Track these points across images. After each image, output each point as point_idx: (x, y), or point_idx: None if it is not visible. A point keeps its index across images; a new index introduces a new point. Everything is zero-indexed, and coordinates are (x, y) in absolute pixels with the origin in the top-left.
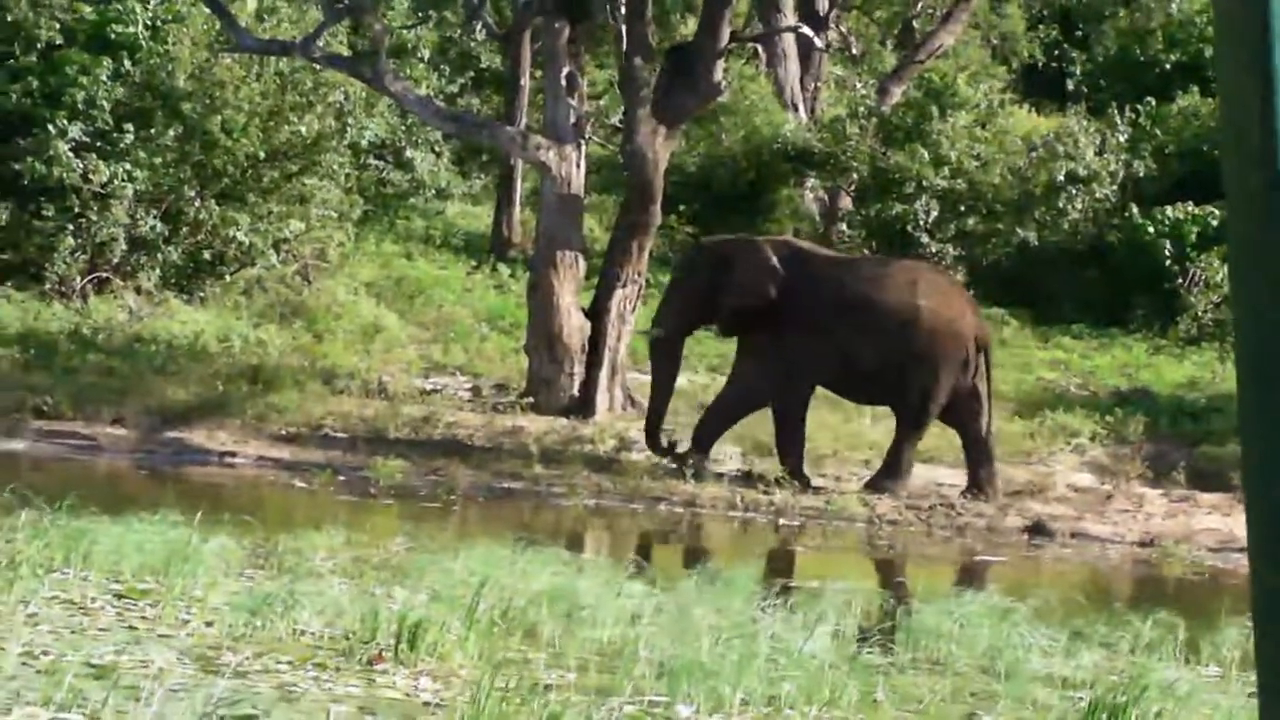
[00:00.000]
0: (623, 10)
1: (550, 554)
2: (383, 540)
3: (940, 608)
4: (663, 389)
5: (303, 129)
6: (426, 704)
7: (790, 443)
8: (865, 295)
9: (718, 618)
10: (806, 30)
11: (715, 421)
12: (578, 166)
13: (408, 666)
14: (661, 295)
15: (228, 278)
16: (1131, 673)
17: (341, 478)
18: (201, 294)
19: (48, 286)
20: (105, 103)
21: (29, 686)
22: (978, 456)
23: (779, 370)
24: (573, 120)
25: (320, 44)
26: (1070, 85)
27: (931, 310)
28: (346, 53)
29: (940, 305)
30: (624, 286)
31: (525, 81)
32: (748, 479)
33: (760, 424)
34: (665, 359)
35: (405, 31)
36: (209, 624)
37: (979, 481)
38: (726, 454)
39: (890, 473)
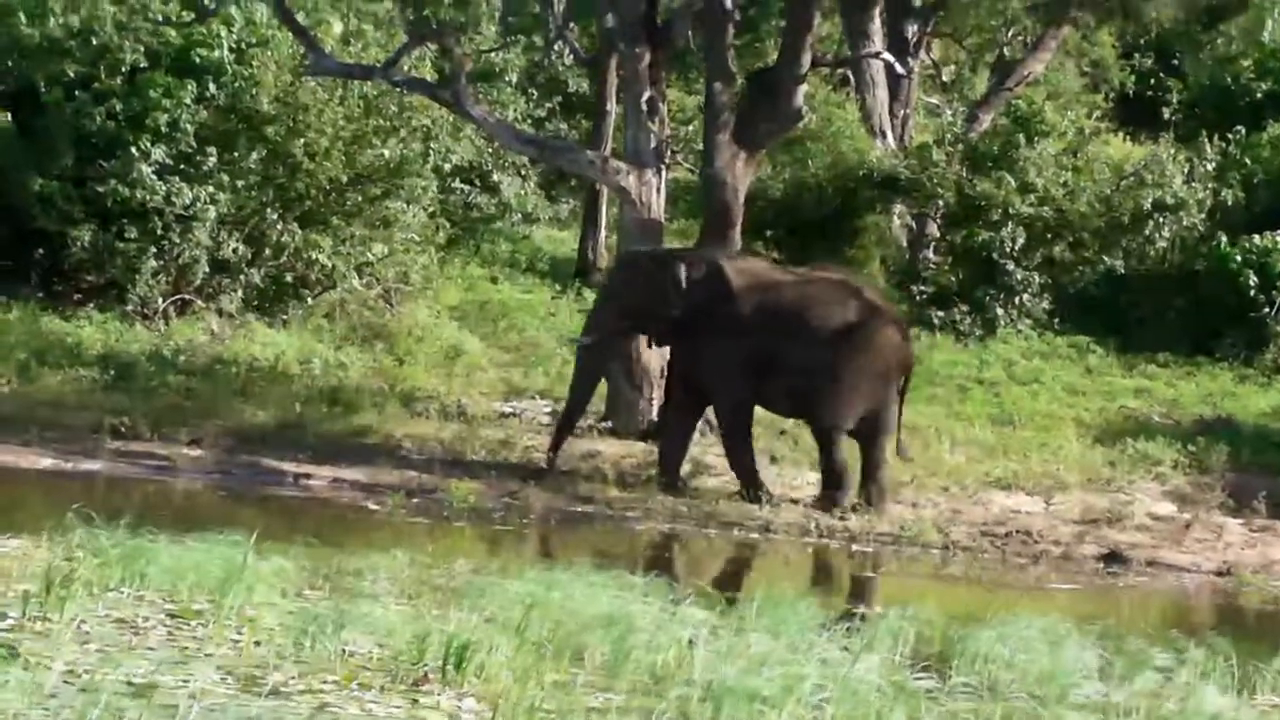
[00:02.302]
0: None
1: (614, 578)
2: (447, 563)
3: (998, 633)
4: (581, 398)
5: (386, 153)
6: None
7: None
8: (788, 309)
9: (772, 642)
10: (888, 56)
11: (737, 450)
12: (658, 191)
13: (453, 688)
14: (592, 304)
15: (310, 300)
16: (1181, 701)
17: (415, 500)
18: (284, 316)
19: (130, 308)
20: (189, 126)
21: (66, 704)
22: (873, 472)
23: (723, 386)
24: (653, 145)
25: (405, 67)
26: (1166, 114)
27: (855, 325)
28: (432, 77)
29: (864, 320)
30: None
31: (611, 106)
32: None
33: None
34: (590, 369)
35: (493, 55)
36: (258, 644)
37: (869, 497)
38: (803, 479)
39: (831, 485)
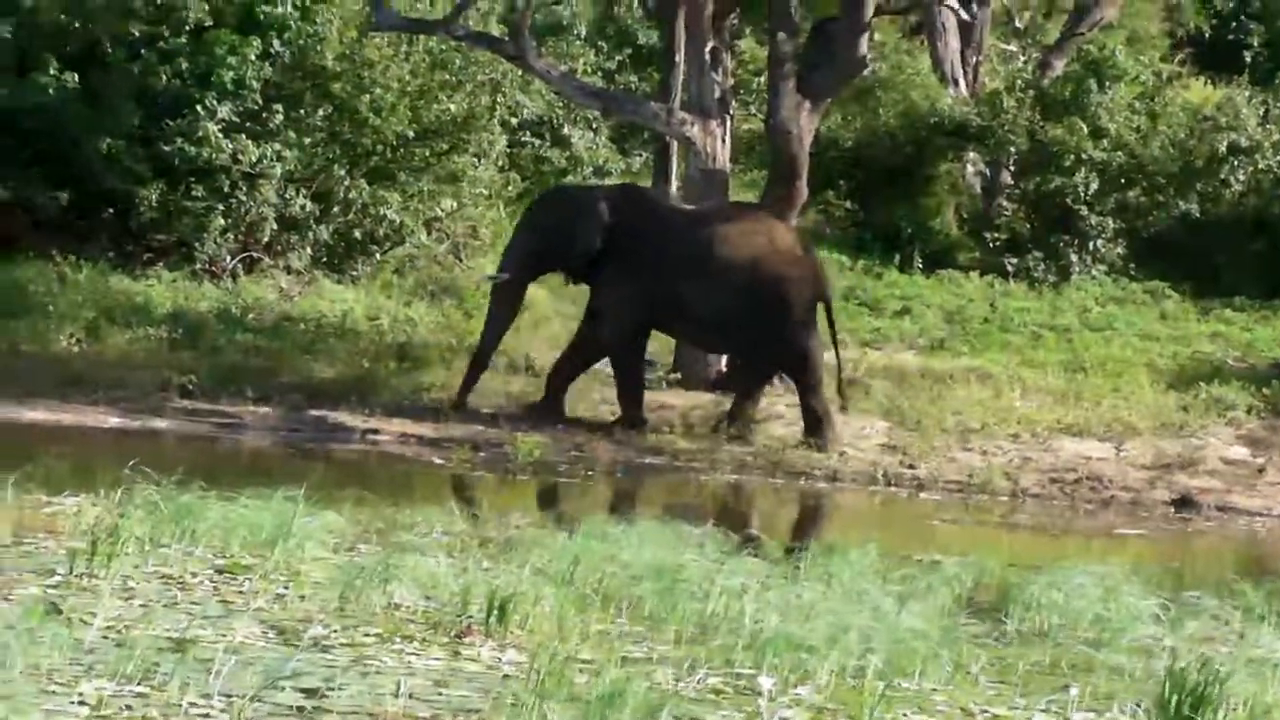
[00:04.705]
0: None
1: (669, 528)
2: (504, 515)
3: (1054, 579)
4: (494, 335)
5: (452, 107)
6: (506, 676)
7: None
8: (705, 244)
9: (825, 591)
10: (953, 2)
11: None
12: (723, 141)
13: (496, 639)
14: (507, 240)
15: (378, 256)
16: (1233, 645)
17: (482, 454)
18: (352, 273)
19: (198, 266)
20: (254, 83)
21: (102, 659)
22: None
23: (611, 317)
24: (717, 95)
25: (470, 21)
26: (1248, 58)
27: (772, 260)
28: (500, 31)
29: (780, 255)
30: None
31: (680, 58)
32: (892, 452)
33: (908, 396)
34: (504, 305)
35: (558, 7)
36: (302, 598)
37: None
38: (873, 427)
39: (816, 431)
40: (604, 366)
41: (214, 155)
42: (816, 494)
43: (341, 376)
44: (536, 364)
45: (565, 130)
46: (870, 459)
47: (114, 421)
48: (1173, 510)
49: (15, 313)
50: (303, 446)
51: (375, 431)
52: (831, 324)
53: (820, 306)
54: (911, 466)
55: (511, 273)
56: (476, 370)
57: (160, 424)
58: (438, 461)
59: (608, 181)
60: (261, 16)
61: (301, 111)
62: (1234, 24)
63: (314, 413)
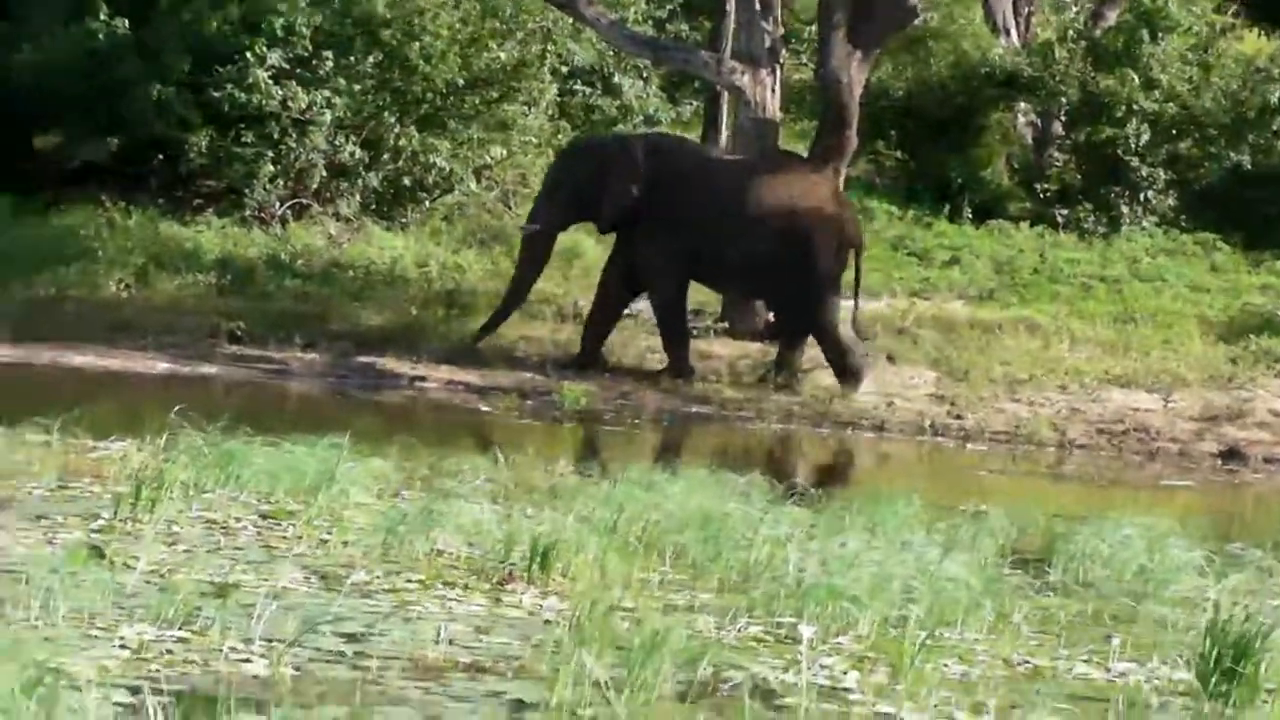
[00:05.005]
0: None
1: (717, 477)
2: (549, 463)
3: (1099, 530)
4: (523, 284)
5: (502, 55)
6: (548, 623)
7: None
8: (736, 194)
9: (869, 540)
10: None
11: (674, 336)
12: (773, 91)
13: (539, 586)
14: (538, 191)
15: (428, 204)
16: (1275, 598)
17: (529, 402)
18: (401, 220)
19: (247, 213)
20: (304, 29)
21: (144, 603)
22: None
23: (655, 268)
24: (768, 44)
25: None
26: None
27: (801, 209)
28: None
29: (810, 204)
30: None
31: (730, 6)
32: (940, 402)
33: (956, 346)
34: (534, 254)
35: None
36: (345, 544)
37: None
38: (921, 377)
39: (847, 375)
40: (649, 315)
41: (264, 102)
42: (863, 444)
43: (389, 323)
44: (584, 313)
45: (616, 79)
46: (918, 409)
47: (162, 367)
48: (1220, 462)
49: (65, 258)
50: (350, 393)
51: (422, 378)
52: (858, 272)
53: (851, 255)
54: (959, 417)
55: (542, 224)
56: (503, 314)
57: (208, 369)
58: (484, 409)
59: (654, 130)
60: None
61: (351, 58)
62: None
63: (362, 359)
